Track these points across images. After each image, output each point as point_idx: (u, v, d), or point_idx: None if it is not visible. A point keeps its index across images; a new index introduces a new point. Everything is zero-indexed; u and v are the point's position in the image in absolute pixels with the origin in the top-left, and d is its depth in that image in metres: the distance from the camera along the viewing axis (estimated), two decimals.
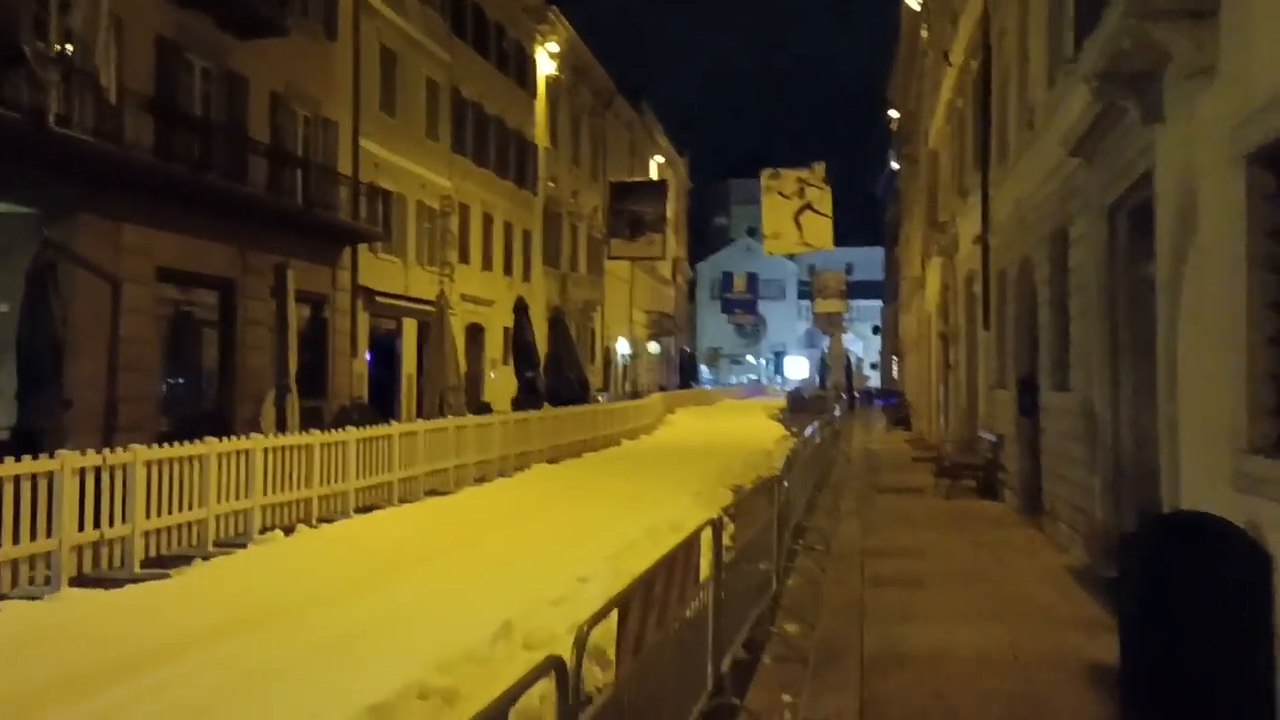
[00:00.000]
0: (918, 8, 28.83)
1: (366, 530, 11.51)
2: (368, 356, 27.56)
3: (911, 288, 36.37)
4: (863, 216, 78.87)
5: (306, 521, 11.56)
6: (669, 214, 61.49)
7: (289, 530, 10.91)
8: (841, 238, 46.35)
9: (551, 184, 41.48)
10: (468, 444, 16.54)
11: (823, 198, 36.54)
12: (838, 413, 24.67)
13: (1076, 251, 9.93)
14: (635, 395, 45.47)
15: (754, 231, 74.43)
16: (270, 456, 11.06)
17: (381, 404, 27.46)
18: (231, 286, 20.90)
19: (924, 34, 28.91)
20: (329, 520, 12.06)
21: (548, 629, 6.26)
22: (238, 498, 10.53)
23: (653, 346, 61.90)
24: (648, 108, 58.88)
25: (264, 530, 10.79)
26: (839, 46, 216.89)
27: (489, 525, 11.94)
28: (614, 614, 3.25)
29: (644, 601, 3.37)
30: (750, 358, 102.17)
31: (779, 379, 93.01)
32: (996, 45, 14.93)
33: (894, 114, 43.45)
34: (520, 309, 27.47)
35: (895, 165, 47.89)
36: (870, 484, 17.18)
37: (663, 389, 57.57)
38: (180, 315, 20.44)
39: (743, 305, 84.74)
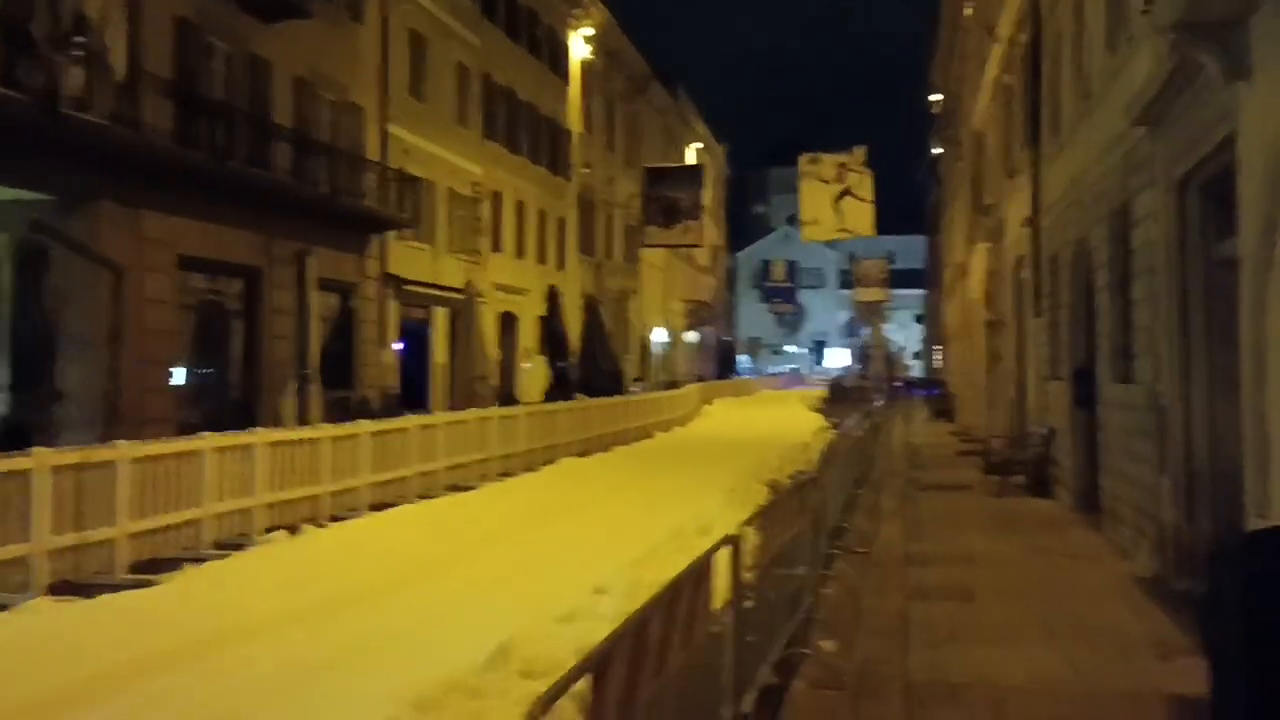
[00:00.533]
0: None
1: (377, 531, 10.90)
2: (398, 346, 27.11)
3: (955, 275, 35.29)
4: (905, 204, 77.30)
5: (315, 520, 11.00)
6: (706, 201, 60.62)
7: (294, 530, 10.35)
8: (883, 225, 45.16)
9: (586, 171, 40.80)
10: (491, 437, 15.94)
11: (863, 182, 35.52)
12: (878, 404, 23.79)
13: (1141, 231, 9.08)
14: (672, 385, 44.77)
15: (794, 220, 73.30)
16: (274, 452, 10.49)
17: (412, 394, 27.04)
18: (257, 275, 20.43)
19: (967, 11, 27.84)
20: (340, 519, 11.49)
21: (550, 653, 5.57)
22: (238, 496, 9.98)
23: (690, 336, 61.09)
24: (684, 93, 57.94)
25: (267, 531, 10.25)
26: (880, 32, 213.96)
27: (507, 525, 11.32)
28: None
29: (633, 654, 2.70)
30: (790, 347, 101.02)
31: (819, 369, 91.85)
32: (1048, 13, 14.01)
33: (936, 97, 42.25)
34: (552, 298, 26.91)
35: (937, 150, 46.70)
36: (913, 480, 16.37)
37: (700, 379, 56.73)
38: (205, 305, 20.02)
39: (782, 294, 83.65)
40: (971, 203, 23.74)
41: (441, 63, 28.49)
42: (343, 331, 23.92)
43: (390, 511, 11.98)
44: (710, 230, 66.93)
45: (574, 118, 39.65)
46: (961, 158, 31.59)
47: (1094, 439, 11.94)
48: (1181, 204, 8.11)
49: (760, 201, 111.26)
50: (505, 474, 16.16)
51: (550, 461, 17.82)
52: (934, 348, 58.18)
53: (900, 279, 79.96)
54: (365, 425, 12.34)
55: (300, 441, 10.97)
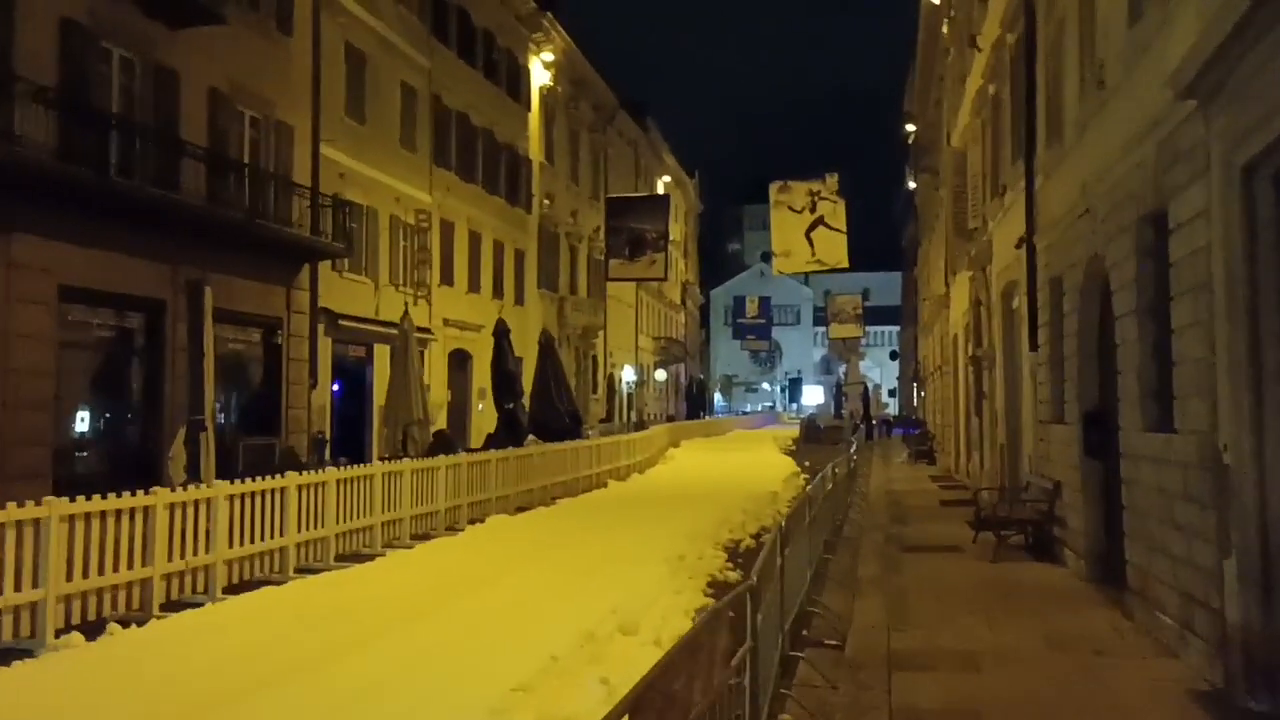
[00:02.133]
0: (938, 1, 26.17)
1: (212, 626, 8.39)
2: (334, 387, 24.95)
3: (934, 308, 33.50)
4: (880, 241, 76.21)
5: (140, 613, 8.69)
6: (676, 235, 58.91)
7: (96, 630, 8.05)
8: (858, 262, 43.73)
9: (547, 202, 38.91)
10: (403, 494, 13.70)
11: (836, 212, 33.73)
12: (854, 448, 21.78)
13: (1184, 238, 7.12)
14: (641, 426, 42.71)
15: (768, 257, 71.92)
16: (77, 527, 8.24)
17: (350, 439, 24.87)
18: (160, 308, 18.24)
19: (945, 29, 26.27)
20: (180, 606, 9.19)
21: None
22: (20, 589, 7.72)
23: (660, 374, 59.11)
24: (653, 124, 56.41)
25: (60, 633, 7.95)
26: (855, 70, 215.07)
27: (392, 610, 8.97)
28: None
29: None
30: (765, 385, 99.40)
31: (794, 406, 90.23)
32: (1045, 1, 12.19)
33: (910, 128, 40.79)
34: (500, 333, 24.75)
35: (912, 184, 45.25)
36: (894, 538, 14.30)
37: (671, 418, 54.71)
38: (99, 342, 17.83)
39: (755, 330, 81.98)
40: (953, 229, 21.93)
41: (384, 82, 26.56)
42: (268, 371, 21.75)
43: (247, 596, 9.65)
44: (681, 265, 65.26)
45: (535, 146, 37.82)
46: (940, 186, 29.92)
47: (1111, 496, 9.96)
48: (1249, 198, 6.16)
49: (735, 239, 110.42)
50: (423, 536, 13.92)
51: (479, 520, 15.55)
52: (912, 384, 56.50)
53: (875, 316, 78.83)
54: (222, 487, 10.09)
55: (123, 512, 8.72)
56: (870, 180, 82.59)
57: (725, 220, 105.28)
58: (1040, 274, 12.74)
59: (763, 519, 15.44)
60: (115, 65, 17.50)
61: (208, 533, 9.63)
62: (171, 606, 9.14)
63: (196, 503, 9.60)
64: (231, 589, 9.93)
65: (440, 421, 28.75)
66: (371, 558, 12.04)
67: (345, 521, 12.17)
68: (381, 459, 16.38)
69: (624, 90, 48.25)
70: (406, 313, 21.50)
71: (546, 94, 39.08)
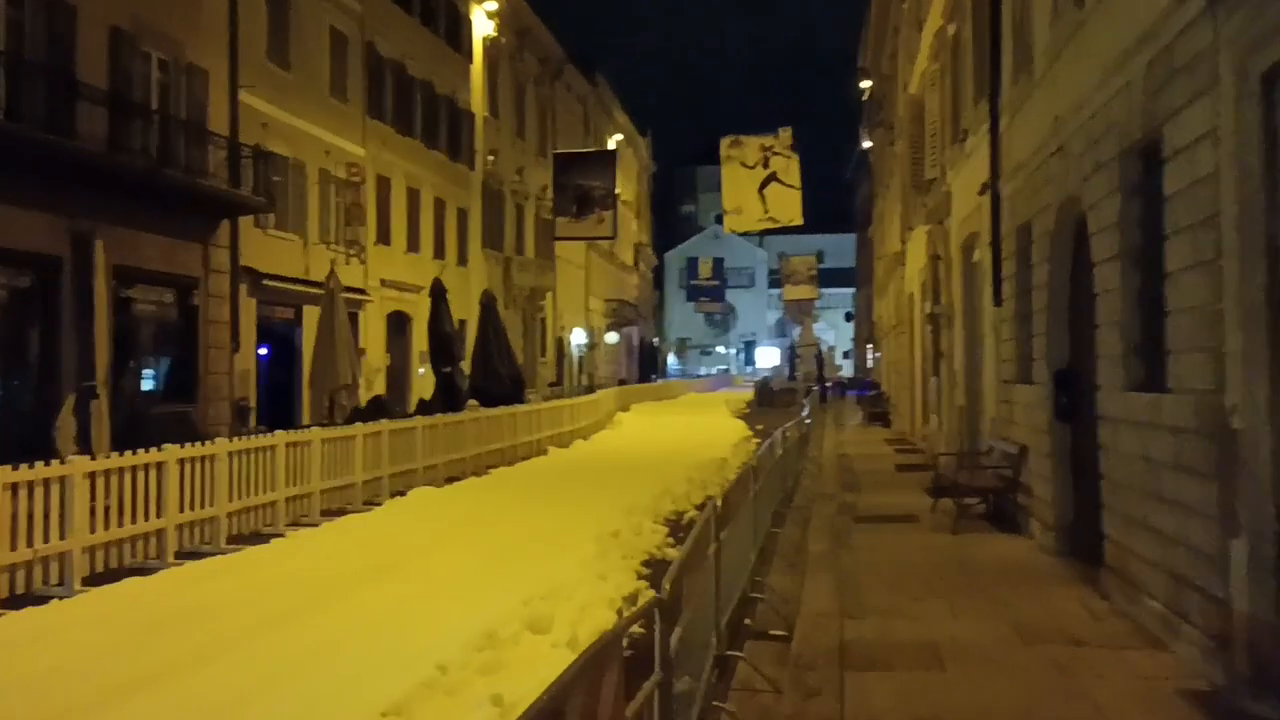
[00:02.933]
0: None
1: (45, 633, 7.04)
2: (262, 352, 23.58)
3: (889, 267, 32.66)
4: (834, 203, 75.37)
5: None
6: (629, 195, 57.63)
7: None
8: (812, 224, 42.77)
9: (491, 158, 37.42)
10: (313, 466, 12.51)
11: (789, 167, 32.58)
12: (806, 411, 20.88)
13: (1183, 166, 6.13)
14: (591, 389, 41.66)
15: (722, 219, 70.79)
16: None
17: (280, 406, 23.55)
18: (56, 266, 16.75)
19: None
20: (29, 601, 7.95)
21: None
22: None
23: (611, 337, 57.96)
24: (603, 80, 54.80)
25: None
26: (809, 35, 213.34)
27: (260, 613, 7.62)
28: None
29: None
30: (720, 348, 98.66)
31: (749, 369, 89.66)
32: None
33: (865, 84, 39.75)
34: (437, 293, 23.47)
35: (867, 143, 44.29)
36: (847, 507, 13.40)
37: (623, 382, 53.67)
38: None
39: (709, 293, 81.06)
40: (910, 182, 20.97)
41: (310, 26, 24.93)
42: (183, 335, 20.32)
43: (104, 590, 8.23)
44: (634, 226, 63.97)
45: (477, 99, 36.26)
46: (895, 140, 28.94)
47: (1083, 463, 9.08)
48: (1269, 112, 5.15)
49: (689, 201, 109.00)
50: (337, 511, 12.74)
51: (401, 492, 14.39)
52: (866, 346, 55.98)
53: (830, 278, 78.17)
54: (79, 464, 8.85)
55: None
56: (825, 143, 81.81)
57: (679, 181, 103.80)
58: (1005, 222, 11.78)
59: (709, 488, 14.46)
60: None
61: (62, 515, 8.42)
62: (16, 602, 7.93)
63: (47, 481, 8.37)
64: (97, 578, 8.73)
65: (379, 386, 27.51)
66: (270, 539, 10.86)
67: (241, 498, 10.97)
68: (302, 428, 15.16)
69: (574, 46, 46.70)
70: (333, 271, 20.18)
71: (489, 45, 37.48)
